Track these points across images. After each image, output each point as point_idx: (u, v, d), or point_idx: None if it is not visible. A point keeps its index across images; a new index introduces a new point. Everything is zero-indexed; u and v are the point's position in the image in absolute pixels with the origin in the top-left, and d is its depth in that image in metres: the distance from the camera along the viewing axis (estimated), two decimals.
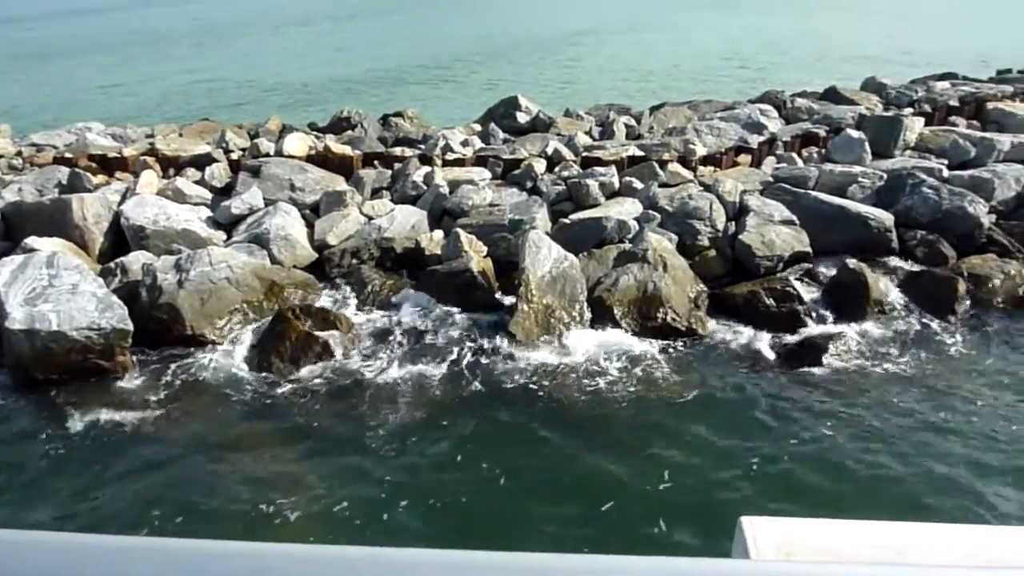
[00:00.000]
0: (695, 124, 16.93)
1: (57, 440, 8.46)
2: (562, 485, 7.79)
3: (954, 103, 18.25)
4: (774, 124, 16.98)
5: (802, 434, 8.49)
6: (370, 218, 12.47)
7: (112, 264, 11.10)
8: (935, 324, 10.77)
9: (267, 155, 14.25)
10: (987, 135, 15.88)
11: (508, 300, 10.74)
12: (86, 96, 29.94)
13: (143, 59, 39.25)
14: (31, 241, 11.07)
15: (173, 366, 9.75)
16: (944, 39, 41.84)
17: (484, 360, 9.82)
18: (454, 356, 9.95)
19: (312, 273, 11.65)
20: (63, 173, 13.61)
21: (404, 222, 12.37)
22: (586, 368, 9.66)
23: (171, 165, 14.25)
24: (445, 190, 13.12)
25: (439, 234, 12.29)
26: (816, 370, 9.72)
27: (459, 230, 11.78)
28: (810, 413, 8.86)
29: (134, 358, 9.67)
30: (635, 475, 7.84)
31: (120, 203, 12.41)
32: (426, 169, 13.84)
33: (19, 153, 14.98)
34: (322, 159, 14.33)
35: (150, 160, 14.06)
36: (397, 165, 14.23)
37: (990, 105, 18.10)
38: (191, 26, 54.17)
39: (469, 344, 10.15)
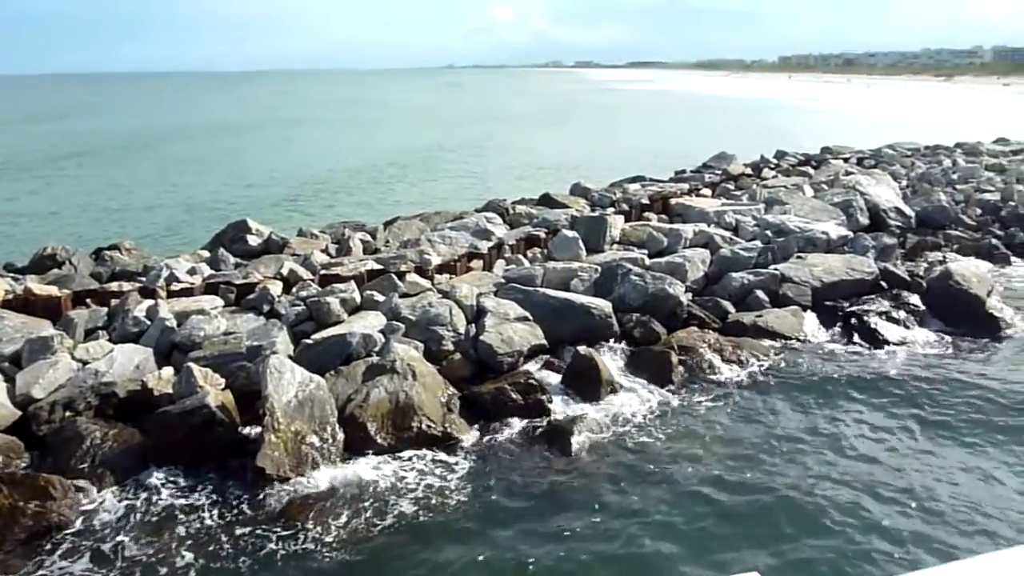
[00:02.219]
0: (428, 235, 17.69)
1: None
2: None
3: (645, 201, 21.05)
4: (500, 230, 18.30)
5: (565, 521, 8.87)
6: (85, 363, 11.18)
7: None
8: (658, 393, 12.00)
9: None
10: (674, 226, 18.47)
11: (254, 431, 10.09)
12: None
13: None
14: None
15: None
16: (630, 147, 48.42)
17: (233, 511, 9.05)
18: (194, 508, 9.04)
19: (15, 435, 10.05)
20: None
21: (126, 363, 11.26)
22: (342, 497, 9.30)
23: None
24: (172, 323, 12.24)
25: (169, 371, 11.33)
26: (564, 454, 10.29)
27: (191, 364, 10.97)
28: (561, 501, 9.30)
29: None
30: None
31: None
32: (149, 303, 12.84)
33: None
34: (23, 303, 12.73)
35: None
36: (115, 302, 13.05)
37: (673, 201, 21.13)
38: None
39: (214, 495, 9.30)
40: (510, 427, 11.00)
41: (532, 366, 12.70)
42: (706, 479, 9.62)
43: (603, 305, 13.84)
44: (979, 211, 22.26)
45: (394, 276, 14.24)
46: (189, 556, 8.22)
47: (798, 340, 13.98)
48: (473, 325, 13.10)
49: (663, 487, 9.49)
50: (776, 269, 15.98)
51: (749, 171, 26.45)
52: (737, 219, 19.26)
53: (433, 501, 9.21)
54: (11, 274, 15.34)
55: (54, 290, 13.24)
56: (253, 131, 61.53)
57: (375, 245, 17.69)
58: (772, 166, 27.65)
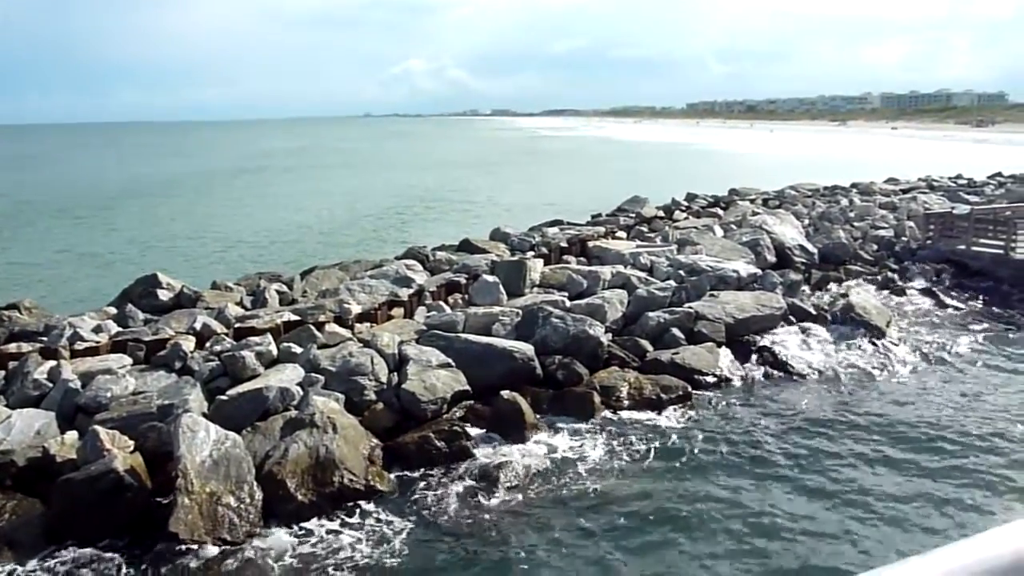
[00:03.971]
0: (347, 284, 17.51)
1: None
2: None
3: (564, 244, 21.43)
4: (420, 276, 18.28)
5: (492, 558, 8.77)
6: None
7: None
8: (582, 433, 12.10)
9: None
10: (592, 268, 18.84)
11: (167, 498, 9.62)
12: None
13: None
14: None
15: None
16: (548, 191, 49.37)
17: (144, 573, 8.58)
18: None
19: None
20: None
21: (25, 429, 10.62)
22: (266, 560, 8.95)
23: None
24: (76, 384, 11.65)
25: (73, 436, 10.73)
26: (490, 498, 10.22)
27: (97, 427, 10.41)
28: (490, 547, 9.23)
29: None
30: None
31: None
32: (51, 364, 12.20)
33: None
34: None
35: None
36: (12, 364, 12.35)
37: (591, 243, 21.59)
38: None
39: (124, 569, 8.77)
40: (436, 475, 10.87)
41: (456, 413, 12.63)
42: (632, 514, 9.75)
43: (525, 348, 13.93)
44: (875, 247, 23.62)
45: (312, 327, 14.00)
46: None
47: (714, 375, 14.38)
48: (396, 374, 12.97)
49: (590, 525, 9.54)
50: (690, 307, 16.47)
51: (662, 213, 27.32)
52: (652, 260, 19.82)
53: (358, 559, 8.96)
54: None
55: None
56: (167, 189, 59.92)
57: (292, 296, 17.37)
58: (683, 208, 28.65)
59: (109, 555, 8.95)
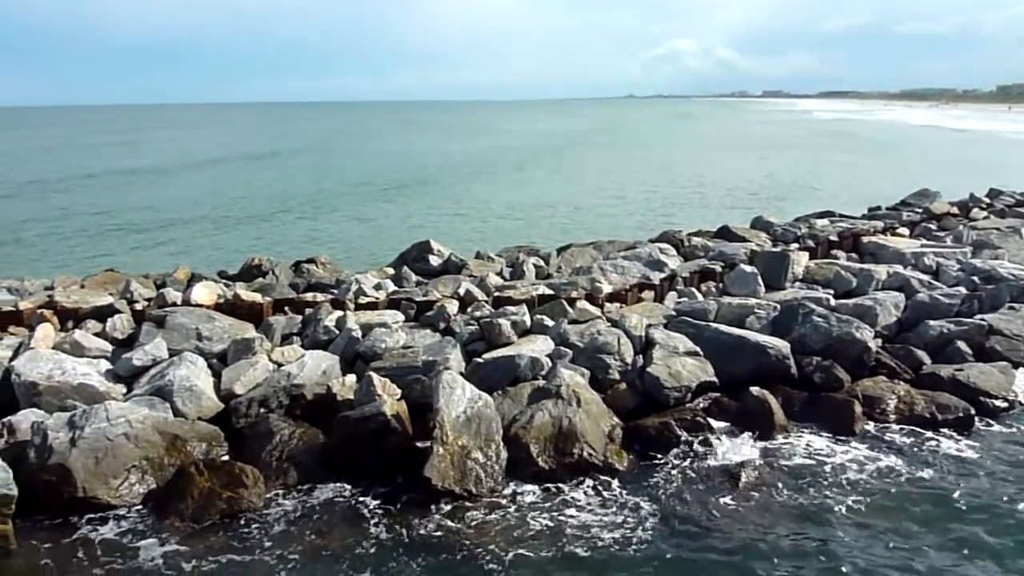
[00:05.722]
0: (600, 263, 17.71)
1: None
2: None
3: (834, 238, 19.83)
4: (673, 261, 17.97)
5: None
6: (279, 365, 12.24)
7: None
8: (836, 443, 11.18)
9: (174, 304, 13.98)
10: (865, 266, 17.23)
11: (424, 444, 10.53)
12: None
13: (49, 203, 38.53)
14: None
15: (61, 535, 9.00)
16: (818, 181, 45.89)
17: (399, 514, 9.49)
18: (366, 511, 9.58)
19: (218, 425, 11.19)
20: None
21: (315, 368, 12.20)
22: (508, 514, 9.46)
23: (70, 317, 13.75)
24: (358, 334, 13.10)
25: (351, 379, 12.14)
26: (728, 495, 9.84)
27: (372, 374, 11.68)
28: (724, 544, 8.89)
29: (17, 526, 8.88)
30: None
31: (12, 359, 11.81)
32: (338, 313, 13.85)
33: None
34: (231, 307, 14.16)
35: (47, 313, 13.55)
36: (308, 311, 14.19)
37: (865, 239, 19.75)
38: (100, 169, 53.84)
39: (382, 500, 9.81)
40: (674, 462, 10.71)
41: (700, 403, 12.31)
42: (884, 546, 8.81)
43: (780, 345, 13.16)
44: None
45: (564, 302, 14.39)
46: (354, 554, 8.71)
47: (1006, 399, 12.49)
48: (641, 356, 12.93)
49: (835, 546, 8.79)
50: (983, 319, 14.45)
51: (955, 210, 24.21)
52: (938, 262, 17.66)
53: (592, 531, 9.13)
54: (223, 281, 17.15)
55: (258, 297, 14.62)
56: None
57: (547, 270, 17.98)
58: (983, 206, 25.12)
59: (371, 487, 10.05)
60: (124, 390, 11.71)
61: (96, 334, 13.05)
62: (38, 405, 10.95)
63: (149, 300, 14.60)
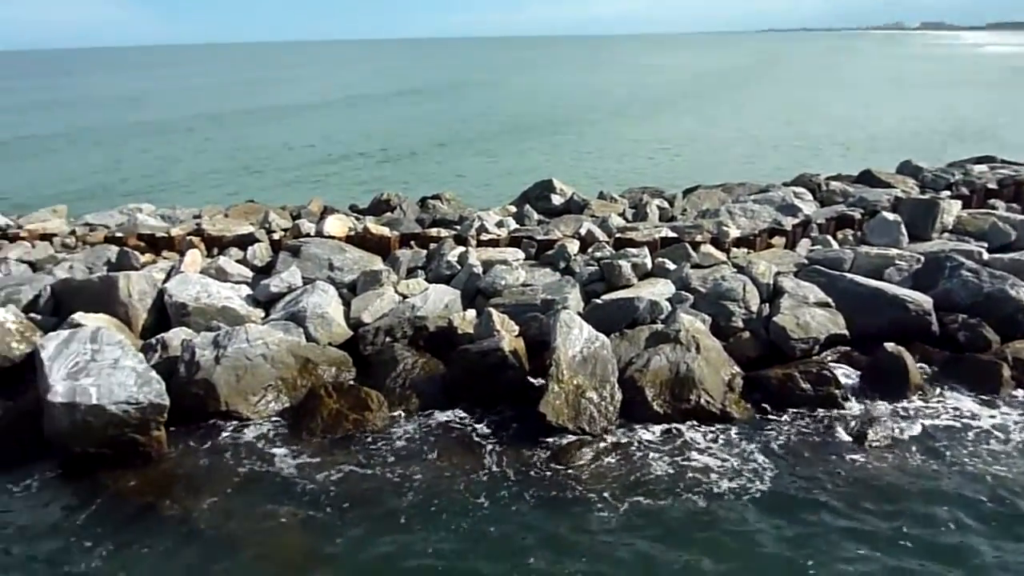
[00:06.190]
0: (728, 206, 17.05)
1: (88, 514, 8.52)
2: None
3: (993, 186, 18.16)
4: (808, 207, 17.03)
5: (857, 525, 8.19)
6: (405, 297, 12.67)
7: (153, 340, 11.38)
8: (979, 408, 10.42)
9: (308, 235, 14.68)
10: None
11: (539, 381, 10.68)
12: (139, 178, 31.37)
13: (191, 139, 41.18)
14: (77, 317, 11.43)
15: (206, 442, 9.85)
16: (981, 121, 41.86)
17: (513, 445, 9.73)
18: (482, 439, 9.88)
19: (346, 351, 11.78)
20: (112, 252, 14.18)
21: (438, 301, 12.53)
22: (620, 455, 9.50)
23: (216, 245, 14.75)
24: (479, 270, 13.31)
25: (471, 313, 12.40)
26: (855, 455, 9.43)
27: (491, 309, 11.88)
28: (851, 504, 8.55)
29: (169, 433, 9.78)
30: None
31: (165, 281, 12.82)
32: (461, 249, 14.10)
33: (73, 232, 15.64)
34: (361, 239, 14.71)
35: (195, 240, 14.58)
36: (433, 245, 14.53)
37: None
38: (240, 108, 56.78)
39: (497, 431, 10.08)
40: (796, 416, 10.34)
41: (828, 356, 11.76)
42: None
43: (922, 300, 12.29)
44: None
45: (688, 246, 14.00)
46: (467, 482, 9.02)
47: None
48: (767, 305, 12.44)
49: (972, 518, 8.26)
50: None
51: None
52: None
53: (710, 476, 9.02)
54: (354, 214, 17.80)
55: (386, 231, 15.09)
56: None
57: (671, 213, 17.50)
58: None
59: (487, 418, 10.36)
60: (262, 314, 12.50)
61: (238, 261, 13.94)
62: (187, 324, 11.89)
63: (285, 230, 15.40)
